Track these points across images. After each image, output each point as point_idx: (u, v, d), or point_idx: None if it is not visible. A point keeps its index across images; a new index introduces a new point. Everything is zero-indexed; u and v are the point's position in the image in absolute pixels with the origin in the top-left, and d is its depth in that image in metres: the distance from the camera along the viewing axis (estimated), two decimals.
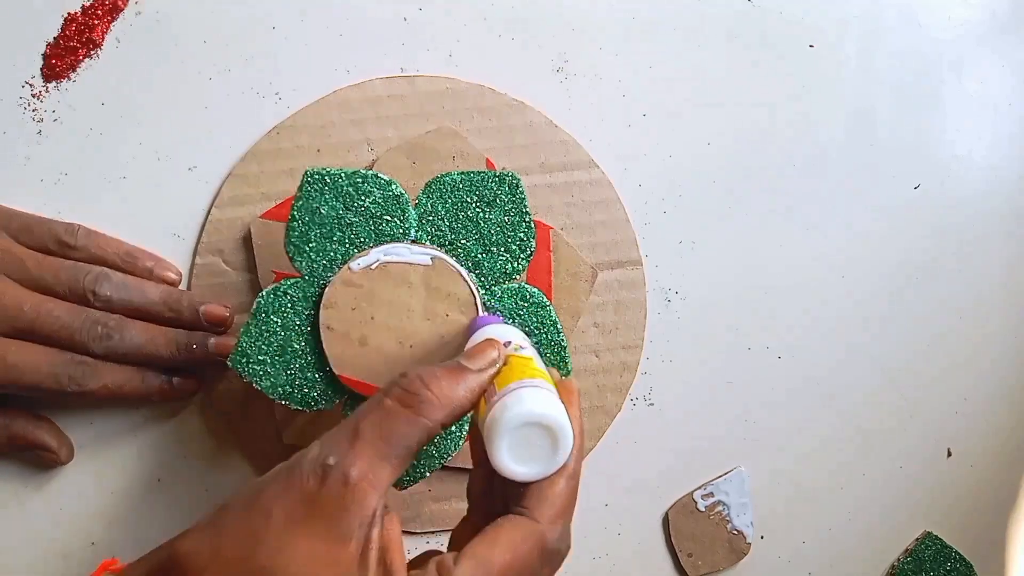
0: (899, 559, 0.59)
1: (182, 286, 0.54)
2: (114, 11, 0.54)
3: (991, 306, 0.60)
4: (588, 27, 0.57)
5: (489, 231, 0.45)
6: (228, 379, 0.53)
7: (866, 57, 0.60)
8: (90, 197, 0.53)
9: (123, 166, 0.54)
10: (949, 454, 0.60)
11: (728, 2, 0.58)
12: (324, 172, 0.44)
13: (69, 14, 0.54)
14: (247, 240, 0.53)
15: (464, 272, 0.45)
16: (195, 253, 0.54)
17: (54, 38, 0.54)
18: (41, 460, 0.52)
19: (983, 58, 0.61)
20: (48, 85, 0.54)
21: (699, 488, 0.57)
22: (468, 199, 0.45)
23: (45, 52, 0.54)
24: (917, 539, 0.59)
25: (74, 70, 0.54)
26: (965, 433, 0.60)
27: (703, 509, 0.57)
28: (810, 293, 0.59)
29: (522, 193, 0.45)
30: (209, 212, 0.54)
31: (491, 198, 0.45)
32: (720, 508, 0.57)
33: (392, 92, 0.55)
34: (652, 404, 0.57)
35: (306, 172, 0.44)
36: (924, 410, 0.60)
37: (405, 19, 0.56)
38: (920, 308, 0.60)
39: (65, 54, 0.54)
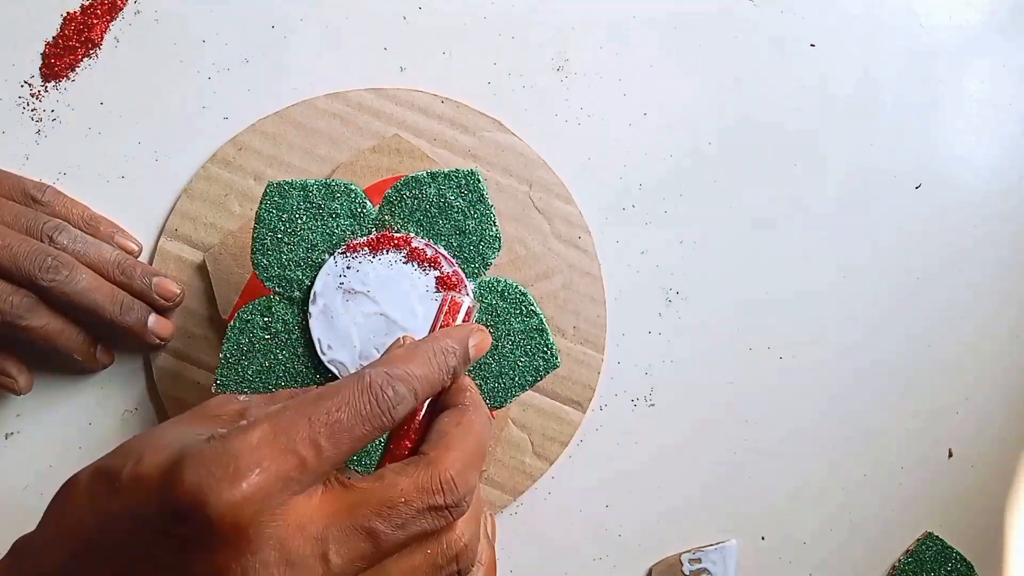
0: (900, 559, 0.59)
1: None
2: (113, 11, 0.54)
3: (991, 306, 0.61)
4: (588, 27, 0.57)
5: (455, 224, 0.45)
6: None
7: (866, 57, 0.60)
8: (89, 196, 0.53)
9: (122, 166, 0.54)
10: (950, 454, 0.60)
11: (729, 2, 0.58)
12: (286, 183, 0.44)
13: (68, 13, 0.54)
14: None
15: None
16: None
17: (53, 38, 0.54)
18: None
19: (983, 58, 0.61)
20: (47, 85, 0.54)
21: (688, 551, 0.57)
22: (431, 193, 0.45)
23: (44, 52, 0.54)
24: (918, 539, 0.59)
25: (73, 70, 0.54)
26: (965, 433, 0.60)
27: (688, 573, 0.56)
28: (811, 293, 0.59)
29: (482, 186, 0.45)
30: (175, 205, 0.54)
31: (454, 192, 0.45)
32: None
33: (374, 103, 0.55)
34: (653, 405, 0.57)
35: (268, 184, 0.44)
36: (924, 410, 0.60)
37: (405, 18, 0.56)
38: (921, 308, 0.60)
39: (64, 54, 0.54)
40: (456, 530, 0.33)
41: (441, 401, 0.38)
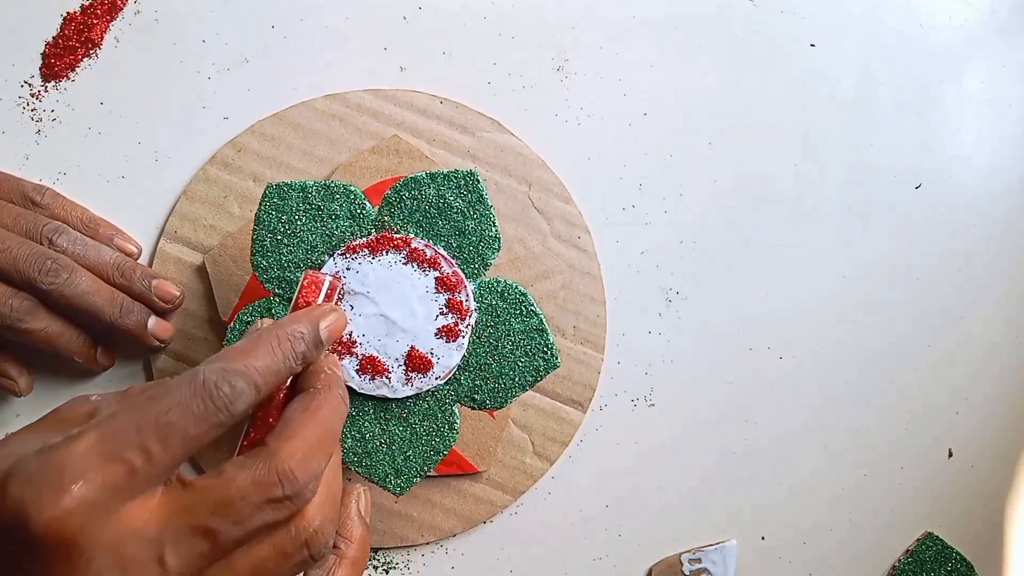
0: (900, 559, 0.59)
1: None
2: (113, 11, 0.54)
3: (991, 306, 0.61)
4: (588, 27, 0.57)
5: (455, 225, 0.45)
6: None
7: (866, 57, 0.60)
8: (89, 196, 0.53)
9: (122, 166, 0.54)
10: (950, 454, 0.60)
11: (729, 2, 0.58)
12: (285, 185, 0.44)
13: (68, 13, 0.54)
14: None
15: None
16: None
17: (53, 38, 0.54)
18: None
19: (983, 58, 0.61)
20: (47, 85, 0.54)
21: (688, 551, 0.57)
22: (431, 194, 0.45)
23: (44, 52, 0.54)
24: (918, 539, 0.59)
25: (73, 70, 0.54)
26: (965, 433, 0.60)
27: (687, 573, 0.56)
28: (811, 293, 0.59)
29: (482, 186, 0.45)
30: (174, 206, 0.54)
31: (453, 193, 0.45)
32: None
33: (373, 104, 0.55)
34: (653, 404, 0.57)
35: (267, 185, 0.44)
36: (924, 410, 0.60)
37: (405, 18, 0.56)
38: (920, 307, 0.60)
39: (64, 54, 0.54)
40: (306, 516, 0.32)
41: (298, 384, 0.37)
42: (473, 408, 0.46)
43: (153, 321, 0.50)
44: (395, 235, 0.44)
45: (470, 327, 0.45)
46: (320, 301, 0.40)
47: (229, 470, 0.30)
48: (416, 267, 0.44)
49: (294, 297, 0.40)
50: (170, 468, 0.29)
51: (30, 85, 0.54)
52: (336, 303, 0.42)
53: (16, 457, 0.28)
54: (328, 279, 0.41)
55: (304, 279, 0.40)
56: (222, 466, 0.31)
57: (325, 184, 0.44)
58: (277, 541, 0.31)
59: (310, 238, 0.44)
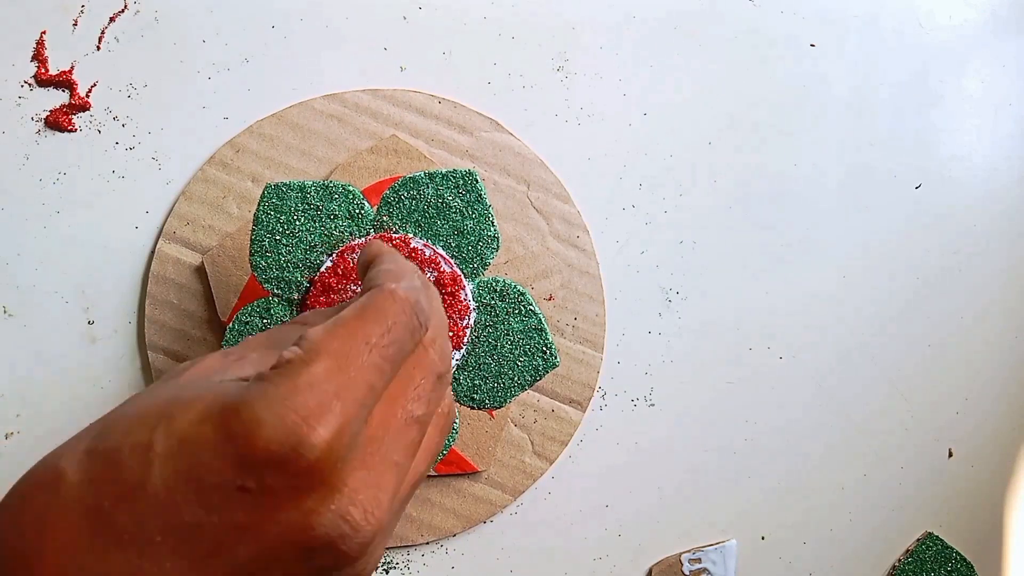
0: (900, 559, 0.59)
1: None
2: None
3: (992, 306, 0.61)
4: (588, 27, 0.57)
5: (453, 224, 0.45)
6: None
7: (866, 57, 0.60)
8: (88, 197, 0.53)
9: (121, 166, 0.54)
10: (950, 454, 0.60)
11: (729, 2, 0.58)
12: (283, 185, 0.44)
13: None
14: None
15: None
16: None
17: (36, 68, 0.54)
18: None
19: (983, 58, 0.61)
20: (47, 88, 0.54)
21: (688, 551, 0.57)
22: (429, 194, 0.45)
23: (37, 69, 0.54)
24: (918, 539, 0.59)
25: (73, 70, 0.54)
26: (965, 433, 0.60)
27: (687, 573, 0.56)
28: (811, 293, 0.59)
29: (480, 186, 0.45)
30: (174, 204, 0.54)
31: (452, 192, 0.45)
32: None
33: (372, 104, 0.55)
34: (653, 405, 0.57)
35: (266, 186, 0.44)
36: (924, 410, 0.60)
37: (405, 18, 0.56)
38: (921, 308, 0.60)
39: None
40: (432, 340, 0.32)
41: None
42: (472, 408, 0.46)
43: None
44: (394, 235, 0.44)
45: (469, 327, 0.45)
46: None
47: (404, 361, 0.30)
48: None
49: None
50: (388, 385, 0.29)
51: (30, 85, 0.54)
52: None
53: (216, 395, 0.26)
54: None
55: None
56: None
57: (324, 184, 0.44)
58: (437, 422, 0.32)
59: (309, 238, 0.44)
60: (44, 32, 0.54)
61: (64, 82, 0.53)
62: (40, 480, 0.26)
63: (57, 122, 0.53)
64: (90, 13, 0.54)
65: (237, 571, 0.25)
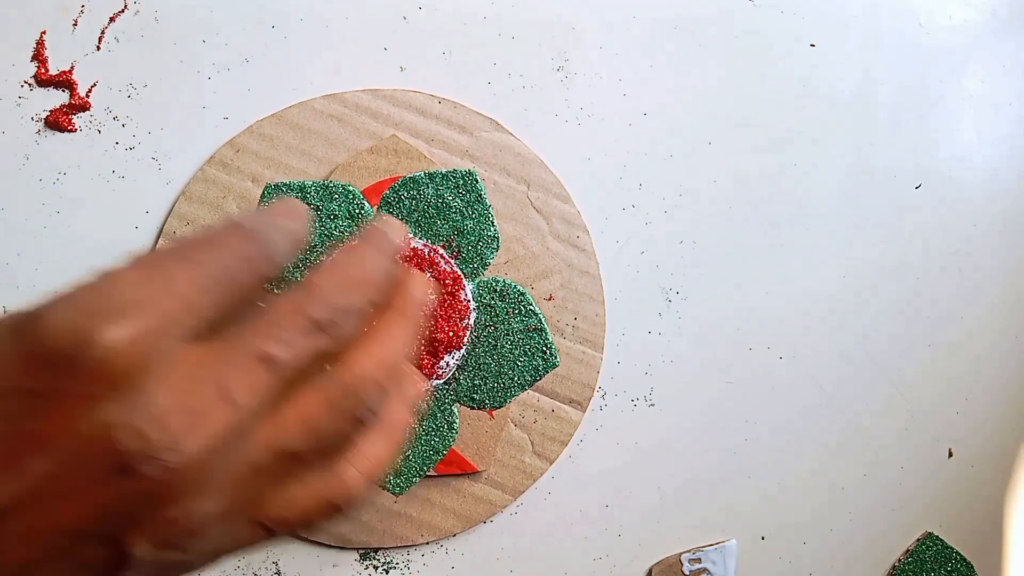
0: (900, 559, 0.59)
1: None
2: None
3: (992, 306, 0.61)
4: (588, 27, 0.57)
5: (453, 224, 0.45)
6: None
7: (866, 57, 0.60)
8: (88, 197, 0.53)
9: (121, 166, 0.54)
10: (950, 454, 0.60)
11: (729, 2, 0.58)
12: (283, 185, 0.44)
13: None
14: None
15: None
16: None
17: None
18: None
19: (983, 58, 0.61)
20: (47, 89, 0.54)
21: (688, 551, 0.57)
22: (429, 194, 0.45)
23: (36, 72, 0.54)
24: (918, 539, 0.59)
25: (73, 70, 0.54)
26: (965, 433, 0.60)
27: (687, 573, 0.56)
28: (811, 293, 0.59)
29: (480, 186, 0.45)
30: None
31: (452, 192, 0.45)
32: None
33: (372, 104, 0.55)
34: (653, 405, 0.57)
35: (266, 186, 0.44)
36: (924, 410, 0.60)
37: (404, 18, 0.56)
38: (921, 308, 0.60)
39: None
40: (350, 363, 0.30)
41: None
42: (472, 407, 0.46)
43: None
44: None
45: (469, 327, 0.45)
46: None
47: (270, 298, 0.28)
48: (415, 267, 0.44)
49: None
50: (219, 312, 0.26)
51: (30, 85, 0.54)
52: None
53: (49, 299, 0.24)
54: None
55: None
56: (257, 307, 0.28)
57: (324, 184, 0.44)
58: (321, 385, 0.28)
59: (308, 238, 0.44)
60: (44, 32, 0.54)
61: (64, 82, 0.53)
62: None
63: (57, 122, 0.53)
64: (90, 13, 0.54)
65: (34, 489, 0.23)
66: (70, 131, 0.54)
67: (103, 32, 0.54)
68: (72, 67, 0.54)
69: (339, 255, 0.31)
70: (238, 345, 0.26)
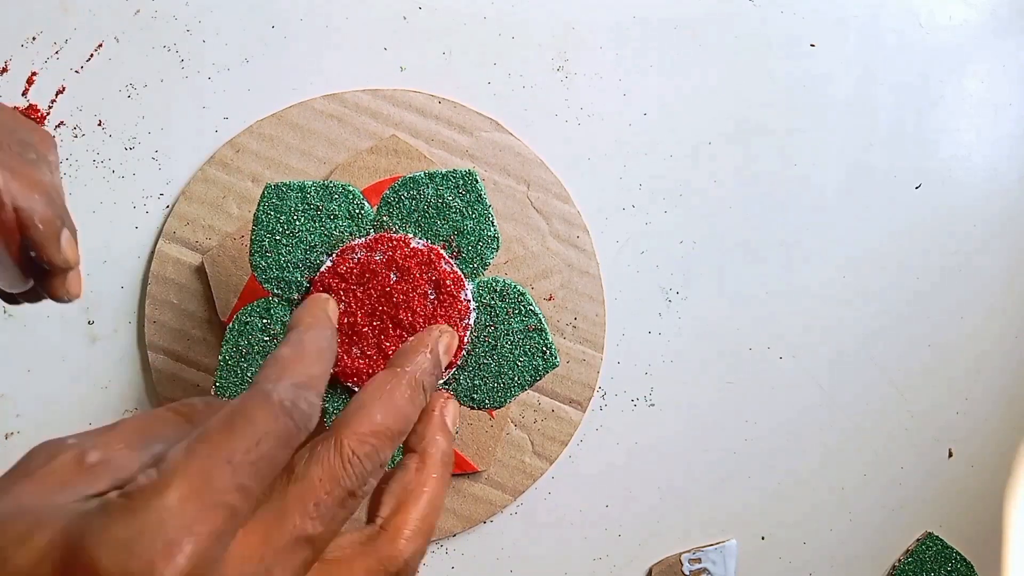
0: (900, 559, 0.59)
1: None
2: None
3: (992, 306, 0.60)
4: (588, 27, 0.57)
5: (453, 224, 0.45)
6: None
7: (866, 57, 0.60)
8: (89, 197, 0.53)
9: (121, 166, 0.54)
10: (950, 454, 0.60)
11: (729, 2, 0.58)
12: (283, 185, 0.44)
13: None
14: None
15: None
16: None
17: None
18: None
19: (983, 58, 0.61)
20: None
21: (688, 551, 0.57)
22: (429, 194, 0.45)
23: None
24: (918, 539, 0.59)
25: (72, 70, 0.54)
26: (965, 433, 0.60)
27: (687, 573, 0.56)
28: (811, 293, 0.59)
29: (480, 186, 0.45)
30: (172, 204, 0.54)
31: (452, 192, 0.45)
32: None
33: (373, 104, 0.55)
34: (653, 405, 0.57)
35: (266, 186, 0.44)
36: (924, 410, 0.60)
37: (405, 18, 0.56)
38: (920, 308, 0.60)
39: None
40: (397, 544, 0.30)
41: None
42: (472, 407, 0.46)
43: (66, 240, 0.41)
44: (394, 235, 0.44)
45: (469, 327, 0.45)
46: None
47: (300, 466, 0.28)
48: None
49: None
50: (261, 498, 0.27)
51: (30, 84, 0.54)
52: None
53: (57, 522, 0.24)
54: None
55: None
56: (288, 465, 0.29)
57: (324, 184, 0.44)
58: (368, 565, 0.29)
59: (309, 238, 0.44)
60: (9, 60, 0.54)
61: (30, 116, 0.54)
62: None
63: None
64: (89, 13, 0.54)
65: None
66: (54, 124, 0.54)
67: (102, 33, 0.54)
68: (71, 67, 0.54)
69: (372, 398, 0.31)
70: (277, 530, 0.26)
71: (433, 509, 0.32)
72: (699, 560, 0.57)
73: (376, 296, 0.44)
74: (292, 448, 0.27)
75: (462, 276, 0.44)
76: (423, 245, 0.44)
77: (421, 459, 0.34)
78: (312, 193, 0.44)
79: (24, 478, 0.26)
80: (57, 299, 0.41)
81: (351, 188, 0.44)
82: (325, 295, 0.39)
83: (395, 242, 0.44)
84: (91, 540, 0.22)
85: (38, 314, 0.53)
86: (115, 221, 0.53)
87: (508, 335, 0.45)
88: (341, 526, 0.28)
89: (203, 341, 0.53)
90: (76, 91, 0.54)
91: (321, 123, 0.54)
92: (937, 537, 0.59)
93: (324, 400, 0.30)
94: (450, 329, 0.41)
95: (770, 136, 0.58)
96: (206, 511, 0.24)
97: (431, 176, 0.45)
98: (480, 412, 0.51)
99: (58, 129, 0.54)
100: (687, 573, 0.56)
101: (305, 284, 0.44)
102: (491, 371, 0.45)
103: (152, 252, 0.53)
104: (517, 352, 0.45)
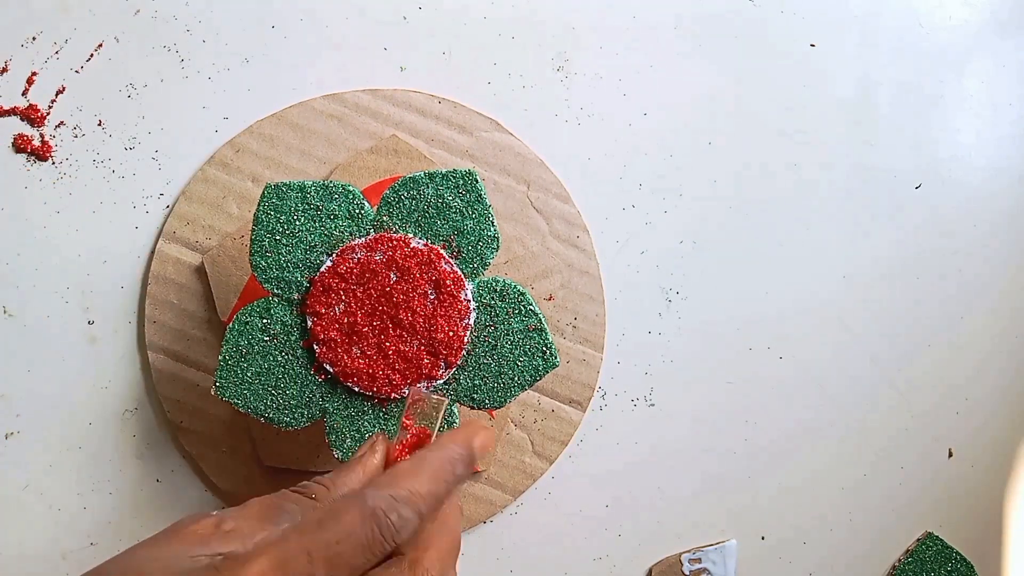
0: (900, 559, 0.59)
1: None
2: None
3: (992, 306, 0.61)
4: (588, 27, 0.57)
5: (453, 224, 0.45)
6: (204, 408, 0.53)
7: (866, 57, 0.60)
8: (89, 197, 0.53)
9: (121, 166, 0.54)
10: (950, 454, 0.60)
11: (729, 2, 0.58)
12: (283, 185, 0.44)
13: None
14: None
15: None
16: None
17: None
18: None
19: (983, 58, 0.61)
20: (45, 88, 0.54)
21: (688, 551, 0.57)
22: (429, 194, 0.45)
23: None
24: (918, 539, 0.59)
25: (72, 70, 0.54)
26: (965, 433, 0.60)
27: (687, 573, 0.56)
28: (811, 293, 0.59)
29: (480, 186, 0.45)
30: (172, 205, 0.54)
31: (452, 192, 0.45)
32: None
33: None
34: (653, 405, 0.57)
35: (266, 186, 0.44)
36: (924, 410, 0.60)
37: (405, 18, 0.56)
38: (921, 308, 0.60)
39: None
40: None
41: None
42: (472, 408, 0.46)
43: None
44: (394, 235, 0.44)
45: (469, 327, 0.45)
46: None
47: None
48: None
49: (402, 414, 0.40)
50: None
51: (30, 84, 0.54)
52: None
53: (175, 569, 0.28)
54: (434, 399, 0.41)
55: (410, 397, 0.41)
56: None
57: (324, 184, 0.44)
58: None
59: (309, 238, 0.44)
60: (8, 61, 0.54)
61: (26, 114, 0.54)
62: None
63: (24, 148, 0.53)
64: (89, 13, 0.54)
65: None
66: (43, 160, 0.54)
67: (102, 33, 0.54)
68: (71, 66, 0.54)
69: (433, 523, 0.34)
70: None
71: (455, 536, 0.35)
72: (699, 560, 0.57)
73: (376, 296, 0.44)
74: (373, 554, 0.29)
75: (462, 276, 0.44)
76: (423, 245, 0.44)
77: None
78: (312, 193, 0.44)
79: (173, 534, 0.30)
80: None
81: (351, 188, 0.44)
82: (481, 424, 0.38)
83: (395, 242, 0.44)
84: None
85: (38, 314, 0.53)
86: (115, 221, 0.53)
87: (508, 335, 0.45)
88: None
89: (203, 341, 0.53)
90: (76, 91, 0.54)
91: (321, 123, 0.55)
92: (937, 537, 0.59)
93: (420, 518, 0.32)
94: (490, 428, 0.40)
95: (770, 136, 0.58)
96: None
97: (431, 176, 0.45)
98: (480, 412, 0.51)
99: (58, 129, 0.54)
100: (687, 573, 0.56)
101: (305, 284, 0.44)
102: (491, 371, 0.45)
103: (152, 252, 0.53)
104: (517, 352, 0.45)
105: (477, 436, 0.36)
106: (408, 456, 0.37)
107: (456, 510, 0.36)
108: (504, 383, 0.45)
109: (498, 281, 0.45)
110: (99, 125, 0.54)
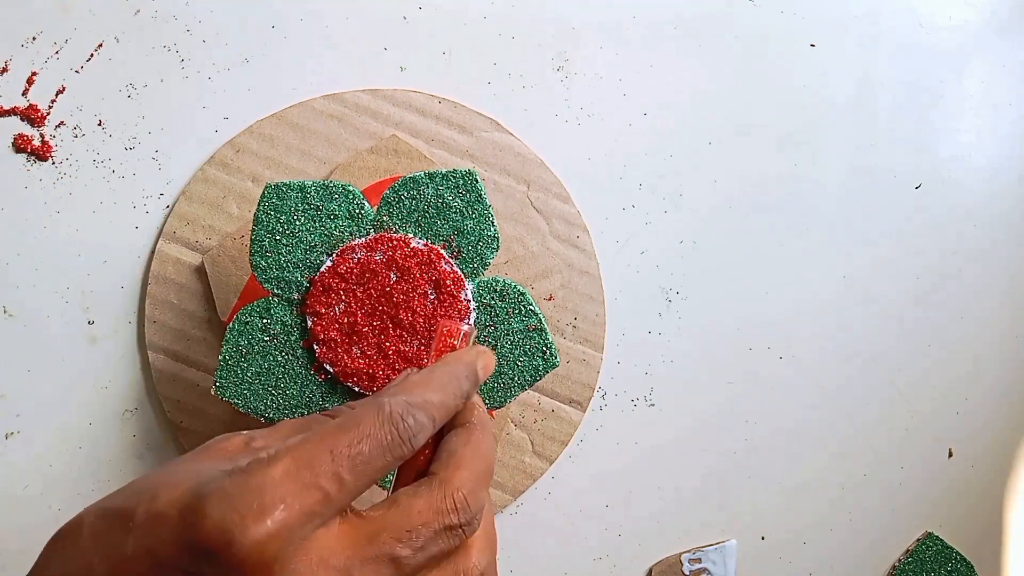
0: (900, 559, 0.59)
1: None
2: None
3: (992, 306, 0.61)
4: (588, 27, 0.57)
5: (453, 224, 0.45)
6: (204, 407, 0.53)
7: (866, 57, 0.60)
8: (89, 197, 0.53)
9: (121, 166, 0.54)
10: (950, 454, 0.60)
11: (729, 2, 0.58)
12: (283, 185, 0.44)
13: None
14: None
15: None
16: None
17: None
18: None
19: (983, 58, 0.61)
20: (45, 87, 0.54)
21: (688, 551, 0.57)
22: (429, 194, 0.45)
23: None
24: (918, 539, 0.59)
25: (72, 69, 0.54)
26: (965, 433, 0.60)
27: (687, 573, 0.56)
28: (811, 293, 0.59)
29: (480, 186, 0.45)
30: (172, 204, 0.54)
31: (452, 192, 0.45)
32: None
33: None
34: (653, 405, 0.57)
35: (266, 186, 0.44)
36: (924, 410, 0.60)
37: (405, 18, 0.56)
38: (921, 308, 0.60)
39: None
40: (471, 556, 0.33)
41: (451, 421, 0.37)
42: None
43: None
44: (394, 235, 0.44)
45: (469, 327, 0.45)
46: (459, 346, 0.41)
47: (404, 499, 0.31)
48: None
49: (434, 343, 0.41)
50: (356, 496, 0.29)
51: (30, 84, 0.54)
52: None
53: (197, 481, 0.28)
54: (464, 328, 0.42)
55: (440, 331, 0.42)
56: (394, 496, 0.32)
57: (324, 184, 0.44)
58: (430, 507, 0.32)
59: (309, 238, 0.44)
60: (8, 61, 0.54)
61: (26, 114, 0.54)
62: (66, 530, 0.30)
63: (24, 148, 0.53)
64: (89, 13, 0.54)
65: None
66: (42, 159, 0.54)
67: (102, 33, 0.54)
68: (71, 66, 0.54)
69: (462, 446, 0.35)
70: (369, 543, 0.29)
71: (488, 462, 0.35)
72: (699, 560, 0.57)
73: (376, 296, 0.44)
74: (393, 457, 0.30)
75: (462, 276, 0.44)
76: (423, 245, 0.44)
77: (471, 427, 0.37)
78: (312, 193, 0.44)
79: (204, 451, 0.32)
80: None
81: (351, 188, 0.44)
82: (482, 348, 0.40)
83: (395, 242, 0.44)
84: (207, 494, 0.27)
85: (38, 314, 0.53)
86: (115, 221, 0.53)
87: (508, 335, 0.45)
88: (430, 560, 0.31)
89: (203, 341, 0.53)
90: (76, 91, 0.54)
91: (321, 123, 0.55)
92: (937, 537, 0.59)
93: (433, 424, 0.33)
94: (489, 351, 0.41)
95: (770, 136, 0.58)
96: (301, 489, 0.28)
97: (431, 176, 0.45)
98: None
99: (58, 129, 0.54)
100: (687, 573, 0.56)
101: (305, 284, 0.44)
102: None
103: (152, 252, 0.53)
104: (517, 352, 0.45)
105: (479, 357, 0.39)
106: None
107: (489, 437, 0.36)
108: (504, 383, 0.45)
109: (498, 281, 0.45)
110: (99, 125, 0.54)
